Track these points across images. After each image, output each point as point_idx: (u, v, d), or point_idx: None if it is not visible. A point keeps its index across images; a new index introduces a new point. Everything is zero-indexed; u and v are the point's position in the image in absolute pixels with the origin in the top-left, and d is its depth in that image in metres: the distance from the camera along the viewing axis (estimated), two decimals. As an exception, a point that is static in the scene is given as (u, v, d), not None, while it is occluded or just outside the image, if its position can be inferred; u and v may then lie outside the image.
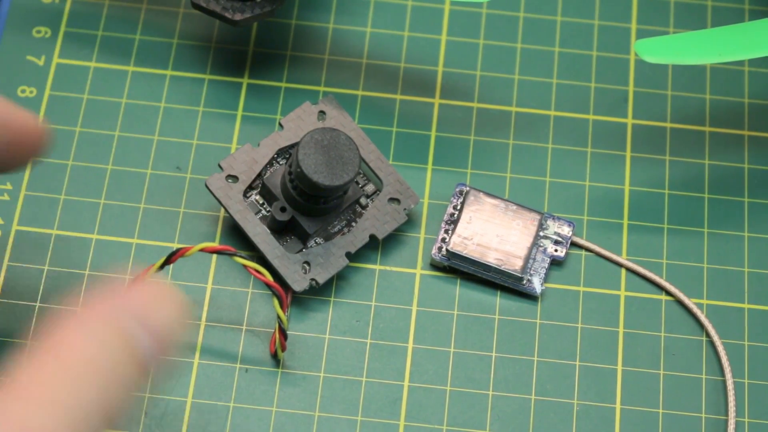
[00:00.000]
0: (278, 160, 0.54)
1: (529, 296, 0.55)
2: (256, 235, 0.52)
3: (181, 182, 0.56)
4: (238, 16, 0.55)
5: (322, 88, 0.59)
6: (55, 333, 0.41)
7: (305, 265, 0.53)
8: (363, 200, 0.54)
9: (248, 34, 0.60)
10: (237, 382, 0.53)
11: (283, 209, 0.52)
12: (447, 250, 0.54)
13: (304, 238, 0.53)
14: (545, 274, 0.55)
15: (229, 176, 0.53)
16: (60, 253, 0.55)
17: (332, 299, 0.54)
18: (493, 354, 0.54)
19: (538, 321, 0.54)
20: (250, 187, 0.54)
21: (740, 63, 0.60)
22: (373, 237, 0.54)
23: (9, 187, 0.56)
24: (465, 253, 0.54)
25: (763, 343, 0.54)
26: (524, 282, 0.54)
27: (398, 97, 0.59)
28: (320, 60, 0.59)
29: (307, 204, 0.52)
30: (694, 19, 0.61)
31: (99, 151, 0.57)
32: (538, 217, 0.55)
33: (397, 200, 0.54)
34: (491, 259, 0.54)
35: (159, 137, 0.57)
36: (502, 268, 0.54)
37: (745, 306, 0.55)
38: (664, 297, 0.55)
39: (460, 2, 0.61)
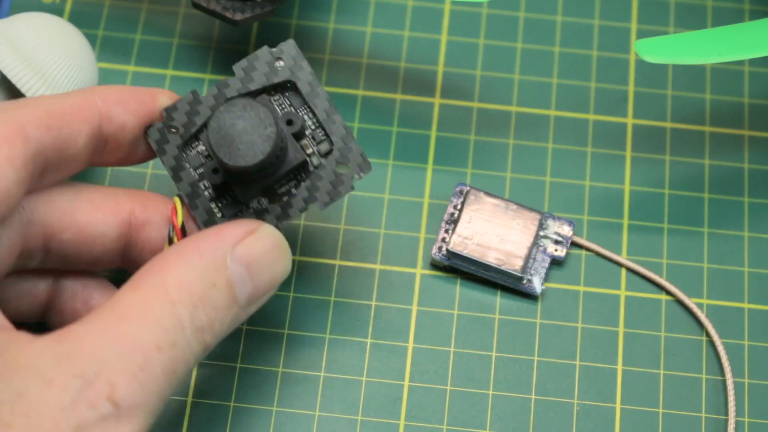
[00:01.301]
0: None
1: (529, 296, 0.55)
2: (187, 194, 0.49)
3: (182, 182, 0.56)
4: (238, 16, 0.55)
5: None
6: (157, 261, 0.45)
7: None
8: (316, 159, 0.49)
9: (248, 34, 0.60)
10: (237, 382, 0.53)
11: (215, 170, 0.48)
12: (447, 249, 0.54)
13: (243, 200, 0.49)
14: (545, 273, 0.55)
15: (169, 126, 0.49)
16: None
17: (332, 299, 0.54)
18: (493, 354, 0.54)
19: (538, 321, 0.54)
20: (197, 138, 0.49)
21: (740, 63, 0.60)
22: (312, 205, 0.49)
23: (9, 186, 0.56)
24: (465, 252, 0.54)
25: (763, 343, 0.54)
26: (524, 282, 0.54)
27: (398, 97, 0.59)
28: (320, 60, 0.59)
29: (234, 175, 0.48)
30: (694, 19, 0.61)
31: (99, 150, 0.57)
32: (538, 216, 0.55)
33: (346, 166, 0.49)
34: (491, 258, 0.54)
35: (159, 137, 0.57)
36: (502, 267, 0.54)
37: (745, 306, 0.55)
38: (664, 297, 0.55)
39: (460, 2, 0.61)
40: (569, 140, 0.58)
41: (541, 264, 0.55)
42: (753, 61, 0.60)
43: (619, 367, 0.54)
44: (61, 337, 0.41)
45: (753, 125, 0.59)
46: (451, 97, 0.59)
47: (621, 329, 0.54)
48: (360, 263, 0.55)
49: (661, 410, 0.53)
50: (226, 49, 0.60)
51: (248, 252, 0.46)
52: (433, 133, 0.58)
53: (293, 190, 0.49)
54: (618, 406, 0.53)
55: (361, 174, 0.49)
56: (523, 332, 0.54)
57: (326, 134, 0.49)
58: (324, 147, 0.49)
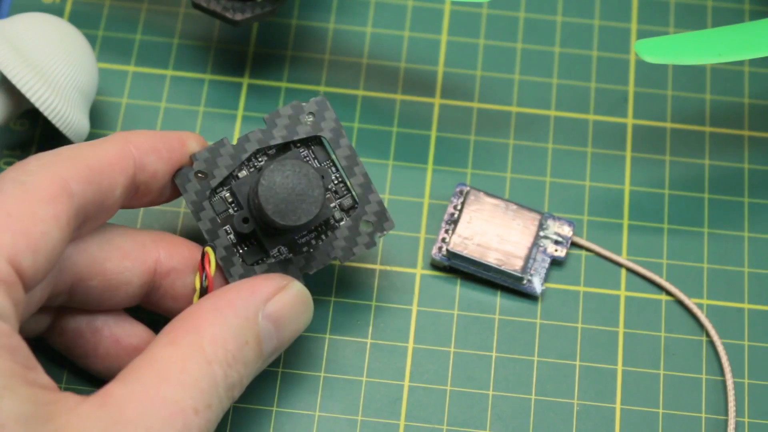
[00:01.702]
0: (258, 158, 0.50)
1: (529, 296, 0.55)
2: (214, 240, 0.50)
3: (182, 182, 0.56)
4: (238, 16, 0.55)
5: (322, 88, 0.59)
6: (192, 317, 0.46)
7: None
8: (338, 214, 0.51)
9: (248, 34, 0.60)
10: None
11: (245, 220, 0.49)
12: (447, 250, 0.54)
13: (265, 248, 0.50)
14: (545, 274, 0.55)
15: (198, 172, 0.50)
16: (60, 253, 0.55)
17: (332, 299, 0.54)
18: (493, 354, 0.54)
19: (538, 321, 0.54)
20: (222, 184, 0.50)
21: (740, 63, 0.60)
22: (335, 260, 0.50)
23: (9, 187, 0.56)
24: (465, 253, 0.54)
25: (763, 343, 0.54)
26: (524, 282, 0.54)
27: (398, 97, 0.59)
28: (320, 60, 0.59)
29: (268, 228, 0.49)
30: (694, 19, 0.61)
31: (99, 151, 0.57)
32: (538, 217, 0.55)
33: (371, 223, 0.51)
34: (491, 259, 0.54)
35: (159, 137, 0.57)
36: (502, 268, 0.54)
37: (745, 306, 0.55)
38: (664, 297, 0.55)
39: (460, 2, 0.61)
40: (569, 140, 0.58)
41: (541, 264, 0.55)
42: (753, 61, 0.60)
43: (619, 368, 0.54)
44: (104, 400, 0.42)
45: (753, 125, 0.59)
46: (451, 98, 0.59)
47: (621, 329, 0.54)
48: (360, 263, 0.55)
49: (661, 410, 0.53)
50: (226, 50, 0.60)
51: (278, 309, 0.47)
52: (433, 134, 0.58)
53: (313, 242, 0.50)
54: (618, 406, 0.53)
55: (385, 231, 0.50)
56: (523, 332, 0.54)
57: (349, 190, 0.51)
58: (346, 202, 0.51)
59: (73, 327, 0.50)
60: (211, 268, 0.49)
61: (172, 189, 0.50)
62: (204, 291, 0.49)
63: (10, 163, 0.56)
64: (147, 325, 0.51)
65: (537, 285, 0.55)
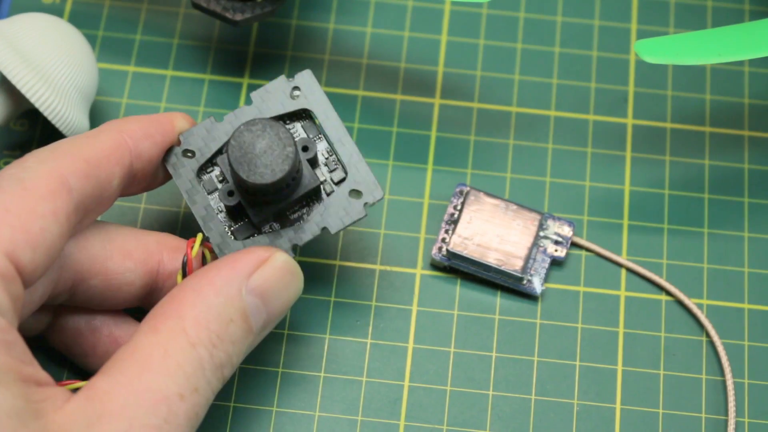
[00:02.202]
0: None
1: (529, 296, 0.55)
2: (201, 216, 0.49)
3: (182, 182, 0.56)
4: (238, 16, 0.55)
5: (322, 88, 0.59)
6: (173, 301, 0.45)
7: None
8: (328, 187, 0.50)
9: (248, 34, 0.60)
10: (237, 383, 0.53)
11: (230, 193, 0.49)
12: (447, 250, 0.54)
13: (254, 223, 0.49)
14: (545, 274, 0.55)
15: (186, 151, 0.49)
16: (60, 253, 0.55)
17: (332, 299, 0.54)
18: (493, 354, 0.54)
19: (538, 321, 0.54)
20: (211, 163, 0.50)
21: (740, 63, 0.60)
22: (325, 230, 0.49)
23: (9, 187, 0.56)
24: (465, 253, 0.54)
25: (763, 343, 0.54)
26: (524, 282, 0.54)
27: (398, 97, 0.59)
28: (320, 60, 0.59)
29: (248, 195, 0.49)
30: (694, 19, 0.61)
31: (99, 151, 0.57)
32: (538, 217, 0.55)
33: (360, 192, 0.50)
34: (491, 259, 0.54)
35: (159, 137, 0.57)
36: (502, 268, 0.54)
37: (745, 306, 0.55)
38: (664, 297, 0.55)
39: (460, 2, 0.61)
40: (569, 140, 0.58)
41: (541, 264, 0.55)
42: (753, 62, 0.60)
43: (619, 368, 0.54)
44: (89, 394, 0.42)
45: (753, 125, 0.59)
46: (451, 98, 0.59)
47: (621, 329, 0.54)
48: (360, 263, 0.55)
49: (661, 410, 0.53)
50: (226, 50, 0.60)
51: (262, 282, 0.46)
52: (433, 134, 0.58)
53: (305, 216, 0.49)
54: (618, 406, 0.53)
55: (373, 200, 0.49)
56: (523, 332, 0.54)
57: (340, 162, 0.50)
58: (337, 175, 0.50)
59: (72, 326, 0.50)
60: (193, 251, 0.48)
61: (165, 173, 0.50)
62: (184, 270, 0.48)
63: (9, 163, 0.56)
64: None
65: (537, 285, 0.55)
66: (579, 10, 0.61)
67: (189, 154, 0.50)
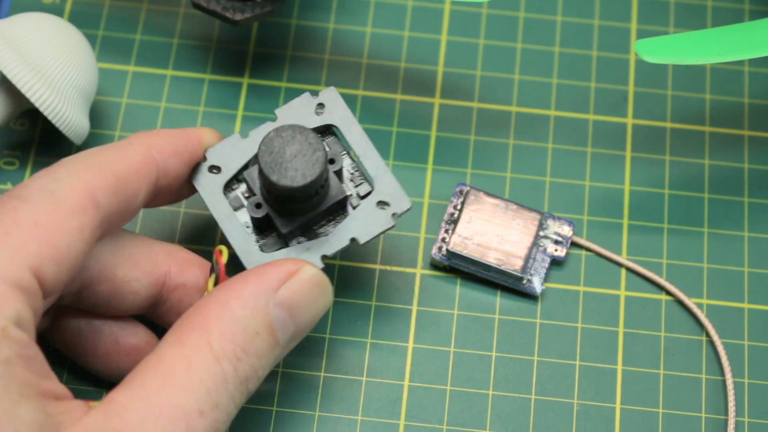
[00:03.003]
0: None
1: (529, 296, 0.55)
2: (230, 231, 0.49)
3: (182, 182, 0.56)
4: (238, 16, 0.55)
5: (322, 88, 0.59)
6: (199, 312, 0.45)
7: None
8: (355, 200, 0.50)
9: (248, 34, 0.60)
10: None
11: (258, 205, 0.49)
12: (447, 249, 0.54)
13: (283, 235, 0.49)
14: (545, 273, 0.55)
15: (212, 167, 0.50)
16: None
17: (332, 299, 0.54)
18: (493, 354, 0.54)
19: (538, 321, 0.54)
20: (237, 180, 0.50)
21: (740, 63, 0.60)
22: (353, 240, 0.49)
23: (9, 187, 0.56)
24: (465, 253, 0.54)
25: (763, 343, 0.54)
26: (524, 282, 0.54)
27: (398, 97, 0.59)
28: (320, 60, 0.59)
29: (276, 203, 0.49)
30: (694, 19, 0.61)
31: (99, 151, 0.57)
32: (538, 216, 0.55)
33: (387, 203, 0.50)
34: (491, 258, 0.54)
35: (159, 137, 0.57)
36: (502, 268, 0.54)
37: (745, 306, 0.55)
38: (664, 297, 0.55)
39: (460, 2, 0.61)
40: (569, 140, 0.58)
41: (541, 264, 0.55)
42: (753, 61, 0.60)
43: (619, 367, 0.54)
44: (107, 408, 0.42)
45: (753, 125, 0.59)
46: (451, 98, 0.59)
47: (621, 329, 0.54)
48: (360, 263, 0.55)
49: (661, 410, 0.53)
50: (226, 50, 0.60)
51: (290, 295, 0.46)
52: (433, 133, 0.58)
53: (331, 230, 0.50)
54: (618, 406, 0.53)
55: (401, 210, 0.50)
56: (523, 332, 0.54)
57: (365, 176, 0.51)
58: (363, 189, 0.50)
59: (73, 326, 0.50)
60: (223, 257, 0.48)
61: (189, 187, 0.50)
62: (216, 281, 0.48)
63: (10, 163, 0.56)
64: (147, 326, 0.51)
65: (537, 285, 0.55)
66: (579, 9, 0.61)
67: (214, 170, 0.50)
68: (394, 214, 0.50)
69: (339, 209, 0.50)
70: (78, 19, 0.60)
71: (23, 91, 0.52)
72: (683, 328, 0.55)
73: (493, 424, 0.52)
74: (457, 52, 0.60)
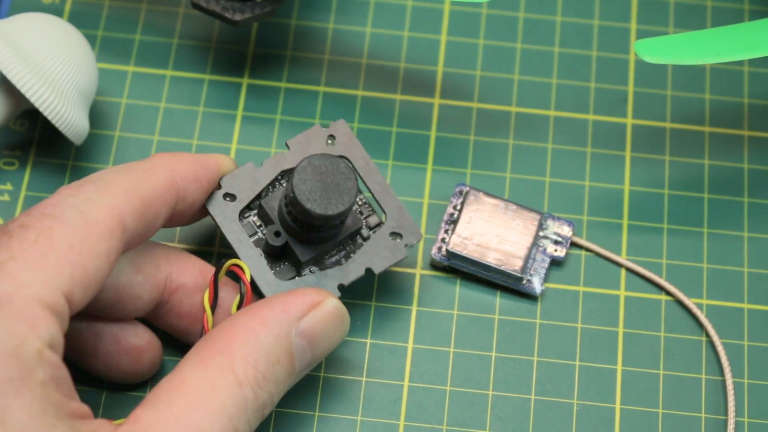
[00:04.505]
0: (281, 181, 0.52)
1: (529, 296, 0.55)
2: (247, 258, 0.50)
3: (181, 182, 0.56)
4: (238, 16, 0.55)
5: (322, 88, 0.59)
6: (224, 335, 0.45)
7: None
8: (365, 231, 0.52)
9: (248, 34, 0.60)
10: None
11: (277, 234, 0.50)
12: (447, 250, 0.54)
13: (298, 265, 0.50)
14: (545, 274, 0.55)
15: (227, 194, 0.51)
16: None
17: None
18: (493, 354, 0.54)
19: (538, 321, 0.54)
20: (249, 208, 0.51)
21: (740, 63, 0.60)
22: (368, 271, 0.51)
23: (9, 187, 0.56)
24: (465, 253, 0.54)
25: (763, 343, 0.54)
26: (524, 282, 0.54)
27: (398, 97, 0.59)
28: (320, 60, 0.59)
29: (301, 231, 0.50)
30: (694, 19, 0.61)
31: (99, 150, 0.57)
32: (538, 217, 0.55)
33: (399, 234, 0.51)
34: (491, 259, 0.54)
35: (159, 137, 0.57)
36: (501, 268, 0.54)
37: (745, 306, 0.55)
38: (664, 297, 0.55)
39: (460, 2, 0.61)
40: (569, 140, 0.58)
41: (541, 264, 0.55)
42: (753, 61, 0.60)
43: (619, 368, 0.54)
44: (134, 427, 0.42)
45: (753, 125, 0.59)
46: (450, 98, 0.59)
47: (621, 329, 0.54)
48: (360, 263, 0.55)
49: (660, 410, 0.53)
50: (225, 50, 0.60)
51: (312, 326, 0.47)
52: (433, 134, 0.58)
53: (342, 260, 0.51)
54: (618, 406, 0.53)
55: (414, 241, 0.51)
56: (523, 332, 0.54)
57: (373, 209, 0.52)
58: (373, 220, 0.52)
59: (72, 328, 0.50)
60: (246, 275, 0.49)
61: (202, 212, 0.50)
62: (241, 300, 0.48)
63: (10, 164, 0.56)
64: (147, 326, 0.51)
65: (537, 285, 0.55)
66: (578, 10, 0.61)
67: (229, 198, 0.50)
68: (406, 245, 0.51)
69: (349, 240, 0.51)
70: (78, 19, 0.60)
71: (23, 91, 0.52)
72: (683, 329, 0.55)
73: (493, 424, 0.52)
74: (456, 52, 0.60)
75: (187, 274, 0.50)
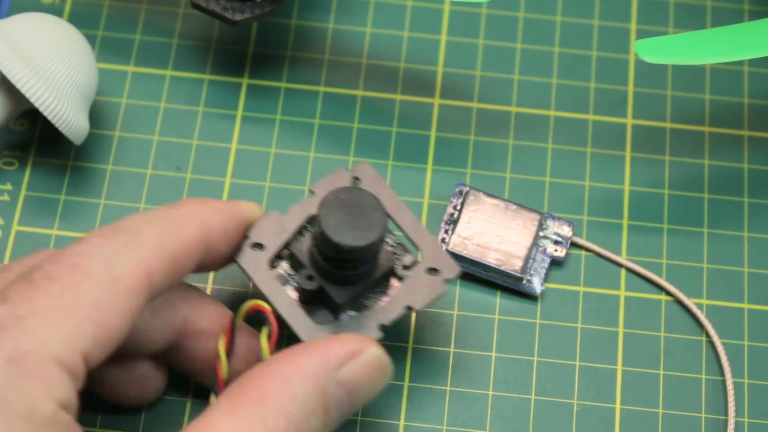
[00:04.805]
0: (309, 228, 0.50)
1: (529, 296, 0.55)
2: (282, 306, 0.48)
3: (181, 182, 0.56)
4: (238, 16, 0.55)
5: (322, 88, 0.59)
6: (256, 382, 0.43)
7: None
8: (399, 271, 0.50)
9: (248, 34, 0.60)
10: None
11: (310, 277, 0.48)
12: (447, 250, 0.54)
13: (334, 309, 0.49)
14: (545, 274, 0.55)
15: (255, 244, 0.49)
16: (60, 253, 0.55)
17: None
18: (493, 354, 0.54)
19: (538, 321, 0.54)
20: (279, 257, 0.49)
21: (740, 63, 0.60)
22: (408, 308, 0.49)
23: (9, 187, 0.56)
24: (465, 253, 0.54)
25: (763, 343, 0.54)
26: (524, 282, 0.54)
27: (398, 97, 0.59)
28: (320, 60, 0.59)
29: (334, 270, 0.48)
30: (694, 19, 0.61)
31: (99, 150, 0.57)
32: (537, 217, 0.55)
33: (436, 270, 0.50)
34: (491, 259, 0.54)
35: (159, 137, 0.57)
36: (501, 268, 0.54)
37: (745, 306, 0.55)
38: (664, 297, 0.55)
39: (460, 2, 0.61)
40: (569, 140, 0.58)
41: (541, 264, 0.55)
42: (753, 61, 0.60)
43: (619, 368, 0.54)
44: None
45: (753, 125, 0.59)
46: (450, 98, 0.59)
47: (621, 329, 0.54)
48: (360, 263, 0.55)
49: (660, 410, 0.53)
50: (225, 50, 0.60)
51: (352, 377, 0.45)
52: (433, 134, 0.58)
53: (381, 300, 0.49)
54: (618, 406, 0.53)
55: (452, 276, 0.49)
56: (523, 332, 0.54)
57: (405, 248, 0.50)
58: (407, 259, 0.50)
59: None
60: (273, 322, 0.47)
61: (226, 261, 0.49)
62: (268, 337, 0.47)
63: (9, 164, 0.56)
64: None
65: (537, 285, 0.55)
66: (579, 10, 0.61)
67: (257, 248, 0.49)
68: (444, 279, 0.49)
69: (385, 281, 0.50)
70: (78, 19, 0.60)
71: (23, 91, 0.52)
72: (683, 329, 0.55)
73: (493, 424, 0.52)
74: (456, 52, 0.60)
75: (203, 319, 0.48)
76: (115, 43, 0.59)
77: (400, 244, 0.50)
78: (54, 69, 0.53)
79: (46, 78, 0.52)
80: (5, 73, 0.52)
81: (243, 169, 0.57)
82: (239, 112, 0.58)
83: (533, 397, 0.53)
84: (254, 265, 0.49)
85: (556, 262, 0.55)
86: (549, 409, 0.53)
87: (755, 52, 0.52)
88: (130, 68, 0.59)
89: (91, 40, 0.59)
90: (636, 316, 0.55)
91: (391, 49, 0.60)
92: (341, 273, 0.48)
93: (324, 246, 0.47)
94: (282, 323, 0.48)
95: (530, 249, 0.55)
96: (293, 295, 0.49)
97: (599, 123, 0.59)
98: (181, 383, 0.52)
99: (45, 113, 0.52)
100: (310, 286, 0.48)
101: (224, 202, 0.48)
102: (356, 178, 0.50)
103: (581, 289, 0.55)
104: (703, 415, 0.53)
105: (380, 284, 0.50)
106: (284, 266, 0.50)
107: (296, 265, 0.49)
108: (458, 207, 0.55)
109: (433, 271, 0.50)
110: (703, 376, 0.54)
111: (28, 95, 0.52)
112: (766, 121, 0.59)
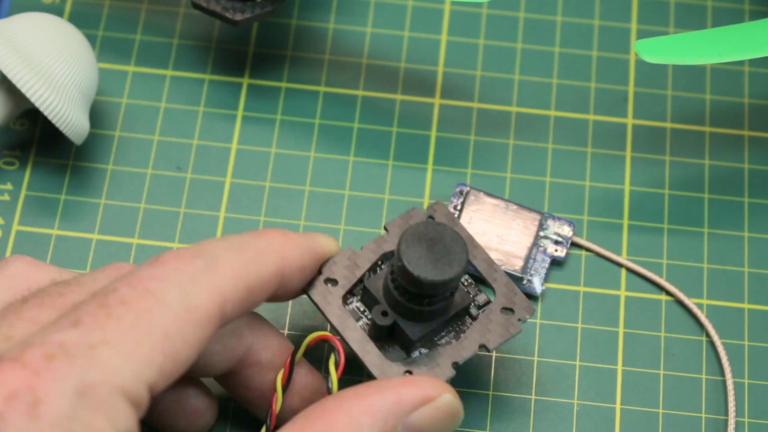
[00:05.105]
0: (381, 265, 0.49)
1: (530, 296, 0.55)
2: (354, 341, 0.47)
3: (181, 182, 0.56)
4: (238, 16, 0.55)
5: (322, 88, 0.59)
6: (326, 418, 0.42)
7: (407, 374, 0.47)
8: (473, 310, 0.50)
9: (248, 34, 0.60)
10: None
11: (384, 313, 0.48)
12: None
13: (407, 346, 0.48)
14: (545, 274, 0.55)
15: (328, 279, 0.48)
16: (60, 253, 0.55)
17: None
18: (494, 354, 0.54)
19: (538, 321, 0.54)
20: (351, 293, 0.49)
21: (740, 63, 0.60)
22: (483, 347, 0.48)
23: (9, 187, 0.56)
24: (465, 253, 0.54)
25: (763, 343, 0.54)
26: (524, 282, 0.54)
27: (398, 97, 0.59)
28: (320, 60, 0.59)
29: (410, 305, 0.47)
30: (694, 19, 0.61)
31: (100, 150, 0.57)
32: (538, 217, 0.55)
33: (511, 310, 0.49)
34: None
35: (159, 137, 0.57)
36: (502, 268, 0.54)
37: (745, 306, 0.55)
38: (664, 297, 0.55)
39: (460, 2, 0.61)
40: (569, 140, 0.58)
41: (541, 264, 0.55)
42: (753, 61, 0.60)
43: (619, 368, 0.54)
44: None
45: (753, 125, 0.59)
46: (451, 98, 0.59)
47: (621, 329, 0.54)
48: (360, 263, 0.55)
49: (661, 410, 0.53)
50: (225, 50, 0.60)
51: (422, 422, 0.43)
52: (433, 134, 0.58)
53: (453, 340, 0.49)
54: (618, 406, 0.53)
55: (527, 316, 0.49)
56: (523, 332, 0.54)
57: (479, 288, 0.50)
58: (481, 298, 0.50)
59: None
60: (342, 356, 0.47)
61: (297, 293, 0.48)
62: (336, 365, 0.47)
63: (10, 163, 0.56)
64: (209, 386, 0.50)
65: (537, 285, 0.55)
66: (579, 10, 0.61)
67: (330, 283, 0.48)
68: (519, 320, 0.49)
69: (458, 319, 0.49)
70: (78, 19, 0.60)
71: (23, 91, 0.52)
72: (683, 329, 0.55)
73: (493, 424, 0.52)
74: (457, 52, 0.60)
75: (267, 351, 0.47)
76: (115, 43, 0.59)
77: (473, 283, 0.50)
78: (54, 69, 0.53)
79: (46, 78, 0.52)
80: (5, 72, 0.52)
81: (243, 169, 0.57)
82: (239, 112, 0.58)
83: (533, 397, 0.53)
84: (327, 299, 0.48)
85: (556, 262, 0.55)
86: (549, 409, 0.53)
87: (755, 52, 0.52)
88: (131, 68, 0.59)
89: (91, 39, 0.59)
90: (636, 316, 0.55)
91: (391, 49, 0.60)
92: (417, 308, 0.47)
93: (404, 280, 0.47)
94: (347, 359, 0.48)
95: (530, 249, 0.55)
96: (365, 330, 0.48)
97: (599, 123, 0.59)
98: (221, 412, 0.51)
99: (45, 113, 0.52)
100: (384, 321, 0.48)
101: (304, 236, 0.47)
102: (431, 217, 0.50)
103: (581, 289, 0.55)
104: (703, 415, 0.53)
105: (453, 322, 0.49)
106: (357, 303, 0.49)
107: (368, 302, 0.49)
108: (459, 207, 0.55)
109: (507, 310, 0.49)
110: (704, 376, 0.54)
111: (28, 95, 0.52)
112: (766, 121, 0.59)
